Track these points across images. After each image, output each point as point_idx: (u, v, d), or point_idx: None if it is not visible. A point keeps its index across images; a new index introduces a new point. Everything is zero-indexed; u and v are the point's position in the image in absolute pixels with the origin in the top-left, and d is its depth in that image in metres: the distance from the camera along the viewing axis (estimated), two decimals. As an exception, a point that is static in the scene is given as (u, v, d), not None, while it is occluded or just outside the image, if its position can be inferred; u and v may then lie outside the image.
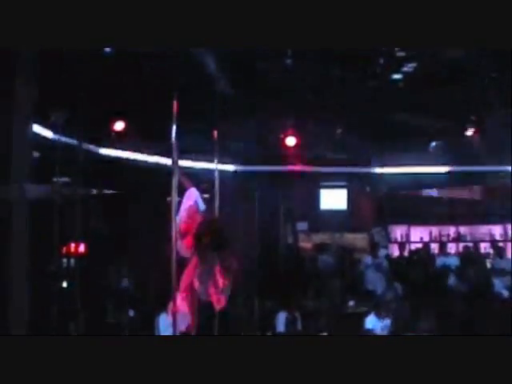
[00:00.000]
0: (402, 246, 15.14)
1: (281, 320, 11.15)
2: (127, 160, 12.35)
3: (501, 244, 14.42)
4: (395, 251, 15.20)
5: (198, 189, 6.26)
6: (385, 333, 10.61)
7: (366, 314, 10.99)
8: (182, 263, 5.64)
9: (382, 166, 14.47)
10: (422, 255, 14.59)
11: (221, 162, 7.07)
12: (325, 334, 10.82)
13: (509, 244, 14.80)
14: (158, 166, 12.22)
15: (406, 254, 14.82)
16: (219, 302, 5.72)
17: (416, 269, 13.59)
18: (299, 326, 11.07)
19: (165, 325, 9.19)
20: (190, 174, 6.43)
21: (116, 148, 12.09)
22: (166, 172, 5.82)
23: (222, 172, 7.33)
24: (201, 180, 6.93)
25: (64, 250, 10.75)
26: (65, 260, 10.99)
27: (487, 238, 15.94)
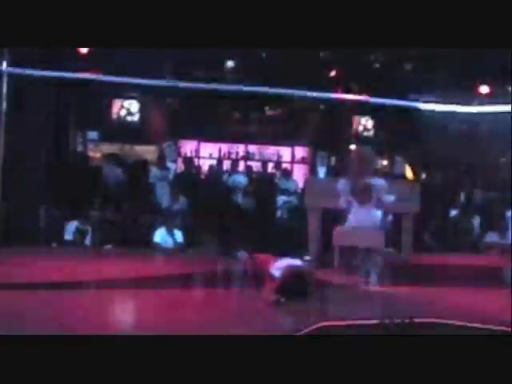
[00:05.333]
0: (190, 160, 15.16)
1: (70, 229, 10.90)
2: None
3: (287, 165, 14.80)
4: (183, 165, 15.16)
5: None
6: (172, 246, 10.76)
7: (156, 226, 11.08)
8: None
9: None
10: (212, 171, 14.70)
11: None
12: (109, 246, 10.70)
13: (295, 165, 15.28)
14: None
15: (194, 169, 14.90)
16: None
17: (204, 184, 13.69)
18: (88, 238, 10.85)
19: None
20: None
21: None
22: None
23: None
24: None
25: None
26: None
27: (275, 159, 16.37)
